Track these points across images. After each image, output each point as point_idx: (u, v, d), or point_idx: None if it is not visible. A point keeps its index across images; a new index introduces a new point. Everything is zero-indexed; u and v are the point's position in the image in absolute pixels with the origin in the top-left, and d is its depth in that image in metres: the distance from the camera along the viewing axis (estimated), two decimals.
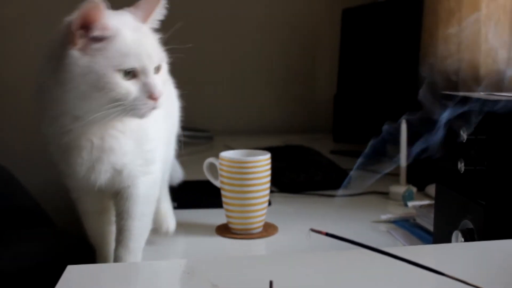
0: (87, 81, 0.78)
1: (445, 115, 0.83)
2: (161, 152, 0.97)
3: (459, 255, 0.74)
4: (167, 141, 1.03)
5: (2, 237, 1.30)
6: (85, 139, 0.85)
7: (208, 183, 1.16)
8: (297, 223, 1.16)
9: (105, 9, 0.79)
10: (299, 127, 2.30)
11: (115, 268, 0.77)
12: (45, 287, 0.75)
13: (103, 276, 0.68)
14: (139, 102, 0.81)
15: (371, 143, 0.84)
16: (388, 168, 1.00)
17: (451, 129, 0.84)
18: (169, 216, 1.12)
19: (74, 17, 0.78)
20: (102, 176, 0.88)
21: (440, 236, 0.92)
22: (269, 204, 1.15)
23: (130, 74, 0.80)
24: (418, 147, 0.82)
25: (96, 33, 0.79)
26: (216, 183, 1.13)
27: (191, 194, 1.35)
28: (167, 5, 0.89)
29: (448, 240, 0.86)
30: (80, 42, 0.79)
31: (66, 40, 0.79)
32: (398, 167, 1.32)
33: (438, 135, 0.83)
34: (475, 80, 1.35)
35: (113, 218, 0.96)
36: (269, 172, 1.10)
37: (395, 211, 1.21)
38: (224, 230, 1.12)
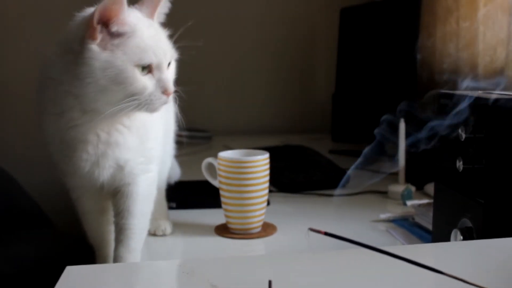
0: (106, 75, 0.80)
1: (443, 114, 0.83)
2: (159, 152, 0.97)
3: (458, 253, 0.74)
4: (164, 141, 1.04)
5: (1, 238, 1.30)
6: (92, 133, 0.86)
7: (206, 183, 1.16)
8: (296, 223, 1.16)
9: (125, 5, 0.80)
10: (297, 127, 2.30)
11: (114, 268, 0.77)
12: None
13: (102, 277, 0.68)
14: (154, 97, 0.83)
15: (371, 144, 0.84)
16: (387, 169, 1.00)
17: (450, 127, 0.84)
18: (165, 218, 1.13)
19: (94, 11, 0.79)
20: (105, 172, 0.89)
21: (439, 234, 0.92)
22: (268, 204, 1.15)
23: (146, 69, 0.83)
24: (413, 145, 0.83)
25: (115, 28, 0.80)
26: (215, 183, 1.13)
27: (190, 194, 1.35)
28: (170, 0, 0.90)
29: (447, 238, 0.87)
30: (99, 36, 0.80)
31: (85, 35, 0.80)
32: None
33: (435, 134, 0.83)
34: (473, 79, 1.35)
35: (112, 218, 0.96)
36: (268, 172, 1.10)
37: (394, 210, 1.21)
38: (223, 230, 1.12)
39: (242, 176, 1.07)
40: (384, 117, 0.88)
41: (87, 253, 1.03)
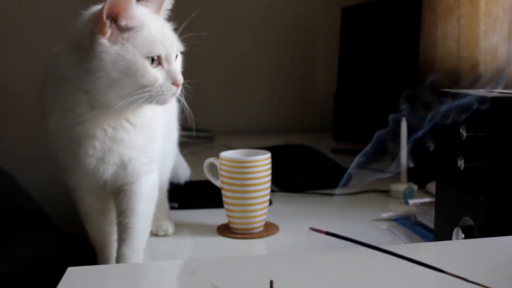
0: (118, 68, 0.81)
1: (444, 113, 0.83)
2: (159, 153, 0.98)
3: (459, 252, 0.74)
4: (164, 141, 1.04)
5: (3, 239, 1.30)
6: (100, 129, 0.87)
7: (208, 183, 1.16)
8: (298, 223, 1.16)
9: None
10: (298, 127, 2.29)
11: (116, 269, 0.77)
12: None
13: (104, 278, 0.68)
14: (164, 88, 0.85)
15: (372, 142, 0.84)
16: (389, 168, 1.00)
17: (451, 126, 0.84)
18: (167, 219, 1.13)
19: (103, 7, 0.81)
20: (110, 168, 0.90)
21: (441, 233, 0.92)
22: (270, 203, 1.15)
23: (156, 61, 0.84)
24: (416, 144, 0.83)
25: (124, 22, 0.82)
26: (217, 183, 1.13)
27: (192, 194, 1.35)
28: None
29: (449, 237, 0.86)
30: (109, 31, 0.81)
31: (94, 30, 0.82)
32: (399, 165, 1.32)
33: (437, 132, 0.83)
34: (474, 77, 1.35)
35: (114, 219, 0.96)
36: (269, 172, 1.10)
37: (396, 209, 1.21)
38: (225, 230, 1.12)
39: (244, 176, 1.07)
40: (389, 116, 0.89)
41: (88, 253, 1.03)
